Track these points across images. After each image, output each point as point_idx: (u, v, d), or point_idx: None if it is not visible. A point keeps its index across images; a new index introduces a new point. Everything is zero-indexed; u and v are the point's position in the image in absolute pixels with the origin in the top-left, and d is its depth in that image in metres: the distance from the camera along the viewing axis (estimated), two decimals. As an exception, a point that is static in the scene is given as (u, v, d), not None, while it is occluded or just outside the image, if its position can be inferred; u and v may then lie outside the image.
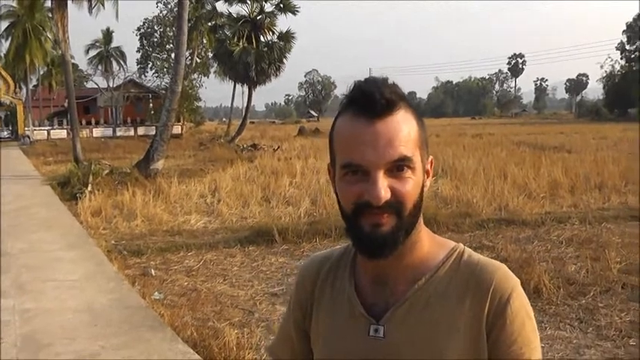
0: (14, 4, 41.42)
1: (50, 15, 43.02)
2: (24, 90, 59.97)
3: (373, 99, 1.12)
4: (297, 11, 41.52)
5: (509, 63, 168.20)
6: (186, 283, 7.80)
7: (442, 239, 1.31)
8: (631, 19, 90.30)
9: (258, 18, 41.95)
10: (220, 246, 9.70)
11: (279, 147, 31.31)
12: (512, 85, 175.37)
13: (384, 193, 1.10)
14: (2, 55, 59.60)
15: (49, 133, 51.96)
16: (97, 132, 52.01)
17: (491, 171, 16.38)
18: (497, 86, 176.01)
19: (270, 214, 12.10)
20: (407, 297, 1.21)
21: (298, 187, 15.31)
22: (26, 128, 51.35)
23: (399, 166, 1.12)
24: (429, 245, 1.26)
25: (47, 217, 12.81)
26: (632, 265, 7.66)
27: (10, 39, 57.28)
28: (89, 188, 15.56)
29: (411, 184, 1.14)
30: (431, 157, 1.24)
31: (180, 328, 5.83)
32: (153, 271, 8.36)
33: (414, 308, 1.21)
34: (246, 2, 41.97)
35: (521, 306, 1.18)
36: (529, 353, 1.16)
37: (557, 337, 5.55)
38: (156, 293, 7.30)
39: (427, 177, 1.22)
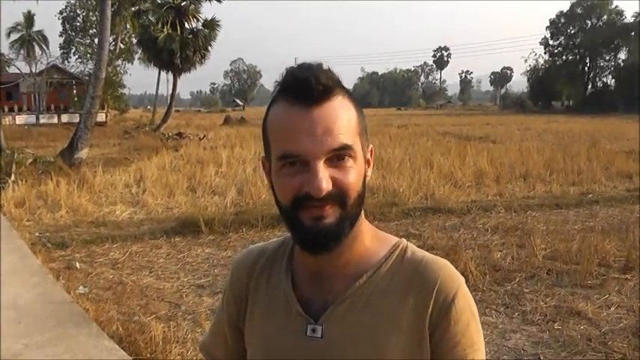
0: None
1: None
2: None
3: (309, 85, 1.05)
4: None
5: (434, 56, 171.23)
6: (111, 277, 7.59)
7: (384, 234, 1.25)
8: (554, 16, 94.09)
9: (182, 4, 41.34)
10: (146, 237, 9.50)
11: (204, 136, 31.02)
12: (438, 77, 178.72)
13: (326, 185, 1.04)
14: None
15: (-35, 121, 49.74)
16: (20, 119, 50.15)
17: (418, 161, 16.61)
18: (422, 78, 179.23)
19: (196, 204, 11.92)
20: (347, 295, 1.16)
21: (224, 176, 15.14)
22: (-60, 115, 49.16)
23: (339, 155, 1.06)
24: (370, 240, 1.20)
25: (-35, 210, 12.28)
26: (556, 251, 7.87)
27: None
28: (12, 178, 15.00)
29: (354, 174, 1.08)
30: (371, 146, 1.19)
31: (105, 323, 5.67)
32: (77, 264, 8.12)
33: (355, 307, 1.15)
34: (171, -13, 41.31)
35: (466, 306, 1.14)
36: (472, 354, 1.12)
37: (483, 323, 5.61)
38: (81, 287, 7.09)
39: (368, 166, 1.17)
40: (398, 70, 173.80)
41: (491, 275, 6.91)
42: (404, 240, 1.24)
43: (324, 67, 1.10)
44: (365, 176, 1.14)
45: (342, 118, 1.07)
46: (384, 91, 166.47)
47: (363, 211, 1.16)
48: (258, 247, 1.36)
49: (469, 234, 9.26)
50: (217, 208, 11.25)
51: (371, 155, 1.19)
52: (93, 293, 6.88)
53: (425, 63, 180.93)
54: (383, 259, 1.18)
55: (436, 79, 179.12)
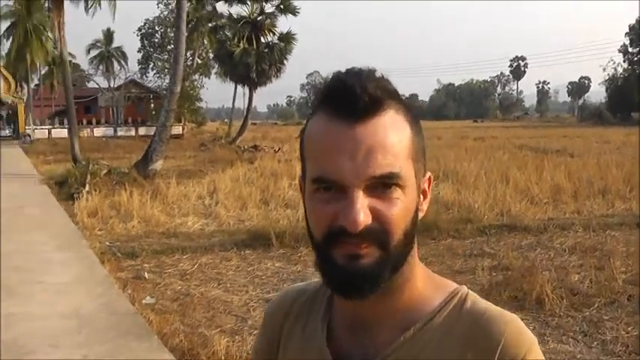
0: (15, 3, 41.38)
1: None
2: (25, 89, 59.86)
3: (353, 95, 0.87)
4: (297, 12, 41.46)
5: (510, 65, 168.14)
6: (179, 288, 7.63)
7: (440, 279, 1.05)
8: (634, 21, 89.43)
9: (258, 19, 41.85)
10: (216, 249, 9.52)
11: (279, 149, 31.17)
12: (515, 87, 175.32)
13: (364, 217, 0.86)
14: (3, 54, 59.64)
15: (49, 132, 51.74)
16: (98, 132, 51.86)
17: (493, 175, 16.20)
18: (499, 89, 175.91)
19: (268, 217, 11.93)
20: (392, 349, 0.97)
21: (297, 189, 15.06)
22: (27, 127, 51.21)
23: (384, 184, 0.88)
24: (423, 285, 1.01)
25: (41, 217, 12.67)
26: (637, 275, 7.46)
27: (11, 39, 57.31)
28: (86, 188, 15.40)
29: (400, 207, 0.89)
30: (429, 174, 0.99)
31: (169, 335, 5.66)
32: (146, 275, 8.20)
33: None
34: (247, 3, 41.90)
35: None
36: None
37: (560, 352, 5.36)
38: (147, 297, 7.14)
39: (424, 198, 0.98)
40: (474, 81, 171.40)
41: (568, 300, 6.56)
42: (464, 287, 1.03)
43: (378, 74, 0.92)
44: (417, 210, 0.95)
45: (390, 138, 0.88)
46: (461, 103, 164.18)
47: (415, 251, 0.97)
48: (297, 288, 1.20)
49: (545, 254, 8.90)
50: (289, 222, 11.20)
51: (428, 185, 0.99)
52: (159, 304, 6.91)
53: (501, 73, 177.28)
54: (437, 308, 0.99)
55: (513, 90, 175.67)
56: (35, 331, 5.78)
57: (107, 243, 10.16)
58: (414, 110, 0.97)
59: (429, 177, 1.00)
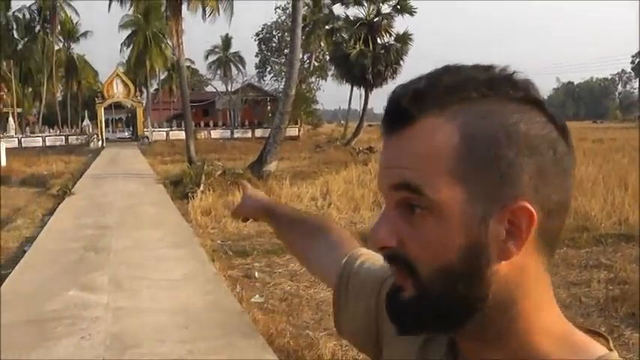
0: (134, 13, 43.44)
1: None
2: (145, 94, 62.68)
3: (391, 106, 0.72)
4: (414, 12, 41.16)
5: (632, 62, 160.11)
6: (288, 288, 7.64)
7: (584, 341, 0.72)
8: None
9: (374, 20, 41.80)
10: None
11: (394, 150, 30.90)
12: (636, 86, 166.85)
13: (382, 234, 0.70)
14: (124, 61, 62.79)
15: (167, 134, 53.90)
16: (215, 134, 53.45)
17: (612, 180, 15.32)
18: (619, 87, 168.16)
19: (380, 219, 11.79)
20: None
21: (410, 190, 14.86)
22: (145, 129, 53.63)
23: (409, 205, 0.69)
24: (552, 343, 0.71)
25: (155, 215, 13.15)
26: None
27: (131, 46, 60.19)
28: (201, 188, 15.83)
29: (426, 236, 0.68)
30: (521, 203, 0.67)
31: (275, 335, 5.66)
32: (256, 273, 8.29)
33: None
34: (363, 4, 41.96)
35: None
36: None
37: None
38: (257, 296, 7.21)
39: (509, 240, 0.68)
40: (594, 79, 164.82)
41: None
42: (614, 355, 0.71)
43: (448, 77, 0.70)
44: (477, 250, 0.68)
45: (417, 145, 0.69)
46: (580, 102, 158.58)
47: (526, 299, 0.71)
48: None
49: (668, 267, 8.30)
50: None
51: (515, 217, 0.67)
52: (268, 303, 6.94)
53: (623, 70, 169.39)
54: None
55: (634, 89, 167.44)
56: (143, 325, 5.96)
57: (219, 241, 10.37)
58: (499, 117, 0.69)
59: (521, 207, 0.67)
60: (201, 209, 13.11)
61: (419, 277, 0.69)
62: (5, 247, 10.40)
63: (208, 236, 10.74)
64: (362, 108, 45.81)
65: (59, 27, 60.42)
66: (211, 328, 5.77)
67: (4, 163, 28.89)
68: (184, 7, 24.42)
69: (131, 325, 5.97)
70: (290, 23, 51.65)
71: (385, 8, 41.97)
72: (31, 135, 51.73)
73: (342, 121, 69.30)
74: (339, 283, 1.06)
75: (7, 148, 31.26)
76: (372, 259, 1.05)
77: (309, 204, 13.91)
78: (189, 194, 15.39)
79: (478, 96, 0.69)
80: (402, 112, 0.70)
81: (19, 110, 64.01)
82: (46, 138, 51.24)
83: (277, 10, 56.26)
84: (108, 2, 24.80)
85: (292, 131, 44.20)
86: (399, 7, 41.25)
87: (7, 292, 7.20)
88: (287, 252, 9.27)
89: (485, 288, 0.69)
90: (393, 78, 41.89)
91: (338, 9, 45.71)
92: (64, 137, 52.20)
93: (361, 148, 33.77)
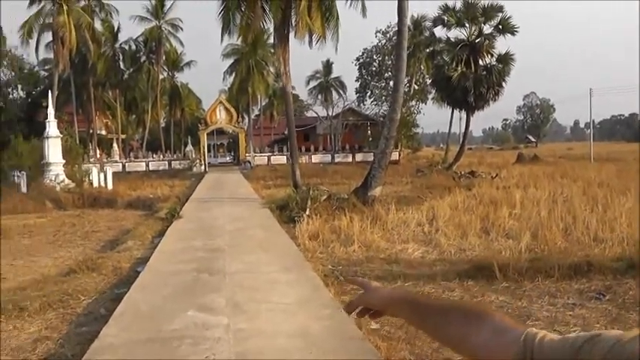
0: (239, 42, 44.69)
1: (272, 50, 46.13)
2: (246, 120, 64.21)
3: None
4: (516, 32, 40.60)
5: None
6: (401, 316, 7.55)
7: None
8: None
9: (476, 41, 41.35)
10: (438, 278, 9.35)
11: (497, 175, 30.40)
12: None
13: None
14: (227, 88, 64.71)
15: (269, 159, 54.95)
16: (316, 158, 54.02)
17: None
18: None
19: (490, 247, 11.60)
20: None
21: (518, 218, 14.54)
22: (247, 154, 54.78)
23: None
24: None
25: (265, 239, 13.26)
26: None
27: (234, 74, 61.95)
28: (307, 212, 15.99)
29: None
30: None
31: (397, 364, 5.61)
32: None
33: None
34: (465, 25, 41.59)
35: None
36: None
37: None
38: (372, 323, 7.16)
39: None
40: None
41: None
42: None
43: None
44: None
45: None
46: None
47: None
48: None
49: None
50: (511, 253, 10.76)
51: None
52: (384, 330, 6.88)
53: None
54: None
55: None
56: (264, 347, 6.02)
57: (329, 266, 10.40)
58: None
59: None
60: (309, 233, 13.23)
61: None
62: (118, 267, 10.77)
63: (318, 260, 10.79)
64: (463, 131, 45.26)
65: (164, 57, 62.60)
66: (333, 353, 5.77)
67: (110, 187, 30.12)
68: (291, 34, 24.80)
69: (254, 346, 6.04)
70: (390, 47, 52.18)
71: (487, 28, 41.51)
72: (135, 160, 54.05)
73: (441, 145, 68.91)
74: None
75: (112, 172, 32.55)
76: (550, 335, 1.10)
77: (415, 229, 13.80)
78: (296, 218, 15.58)
79: None
80: None
81: (123, 136, 66.94)
82: (150, 163, 53.31)
83: (378, 34, 56.75)
84: (220, 33, 25.22)
85: (393, 155, 44.04)
86: (500, 26, 40.71)
87: (125, 311, 7.42)
88: (398, 279, 9.25)
89: None
90: (495, 100, 41.27)
91: (439, 31, 45.59)
92: (167, 162, 54.15)
93: (463, 173, 33.34)
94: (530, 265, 9.51)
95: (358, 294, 1.56)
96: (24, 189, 28.03)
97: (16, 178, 30.33)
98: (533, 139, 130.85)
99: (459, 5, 41.68)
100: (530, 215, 14.72)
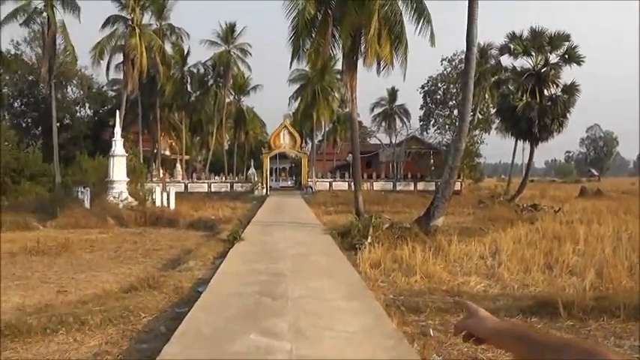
0: (306, 68, 45.32)
1: (339, 77, 46.60)
2: (309, 145, 64.80)
3: None
4: (582, 62, 40.03)
5: None
6: (465, 349, 7.54)
7: None
8: None
9: (542, 71, 40.91)
10: (501, 314, 9.23)
11: (560, 209, 29.86)
12: None
13: None
14: (291, 113, 65.51)
15: (330, 185, 55.10)
16: (377, 185, 53.97)
17: None
18: None
19: (553, 283, 11.45)
20: None
21: (582, 255, 14.32)
22: (309, 179, 55.10)
23: None
24: None
25: (327, 265, 13.25)
26: None
27: (299, 99, 62.72)
28: (369, 240, 16.04)
29: None
30: None
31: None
32: (432, 332, 8.25)
33: None
34: (531, 55, 41.20)
35: None
36: None
37: None
38: (435, 356, 7.18)
39: None
40: None
41: None
42: None
43: None
44: None
45: None
46: None
47: None
48: None
49: None
50: (575, 290, 10.61)
51: None
52: (449, 364, 6.90)
53: None
54: None
55: None
56: (329, 374, 6.04)
57: (391, 296, 10.41)
58: None
59: None
60: (370, 262, 13.27)
61: None
62: (179, 287, 10.95)
63: (379, 289, 10.82)
64: (526, 163, 44.69)
65: (231, 81, 63.68)
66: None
67: (172, 207, 30.68)
68: (360, 61, 24.98)
69: (318, 374, 6.11)
70: (456, 75, 52.05)
71: (553, 57, 41.06)
72: (197, 181, 54.86)
73: (503, 175, 68.09)
74: None
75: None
76: None
77: (478, 262, 13.74)
78: (357, 246, 15.64)
79: None
80: None
81: (187, 157, 68.15)
82: (212, 184, 54.00)
83: (443, 61, 56.69)
84: (289, 59, 25.55)
85: (455, 185, 44.01)
86: (567, 56, 40.23)
87: (187, 330, 7.53)
88: (460, 312, 9.22)
89: None
90: (559, 131, 40.66)
91: (505, 60, 45.28)
92: (229, 184, 54.72)
93: (525, 205, 32.81)
94: (596, 304, 9.34)
95: (464, 317, 1.63)
96: (87, 204, 28.85)
97: (79, 193, 31.31)
98: (596, 173, 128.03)
99: (525, 33, 41.44)
100: (594, 252, 14.47)
